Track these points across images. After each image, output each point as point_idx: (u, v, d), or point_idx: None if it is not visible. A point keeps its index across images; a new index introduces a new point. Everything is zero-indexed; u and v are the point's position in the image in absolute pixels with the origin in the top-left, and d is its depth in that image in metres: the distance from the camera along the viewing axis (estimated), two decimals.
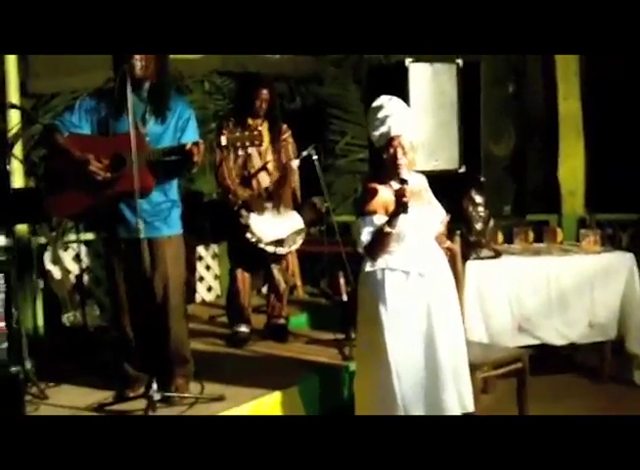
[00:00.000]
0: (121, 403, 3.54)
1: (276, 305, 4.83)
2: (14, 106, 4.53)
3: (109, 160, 3.44)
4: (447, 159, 4.90)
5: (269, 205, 4.62)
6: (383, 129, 3.26)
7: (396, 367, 3.17)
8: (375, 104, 3.34)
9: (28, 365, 3.79)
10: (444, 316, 3.27)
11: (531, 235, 5.09)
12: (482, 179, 4.91)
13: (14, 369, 3.38)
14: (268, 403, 3.69)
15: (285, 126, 4.74)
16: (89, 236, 4.99)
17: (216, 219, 5.20)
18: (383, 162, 3.28)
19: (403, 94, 4.34)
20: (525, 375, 3.80)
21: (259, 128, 3.94)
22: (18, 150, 4.61)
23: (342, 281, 4.64)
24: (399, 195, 3.08)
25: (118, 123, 3.47)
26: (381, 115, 3.27)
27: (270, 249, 4.56)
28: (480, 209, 4.64)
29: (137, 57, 3.39)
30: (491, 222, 4.73)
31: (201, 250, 6.05)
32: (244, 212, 4.54)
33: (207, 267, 6.13)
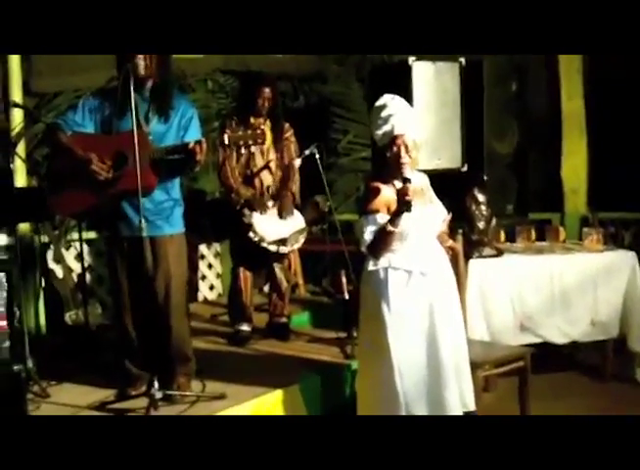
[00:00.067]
0: (123, 402, 3.54)
1: (278, 303, 4.84)
2: (17, 105, 4.54)
3: (112, 158, 3.44)
4: (450, 157, 4.89)
5: (271, 203, 4.62)
6: (386, 128, 3.26)
7: (398, 366, 3.17)
8: (378, 103, 3.33)
9: (30, 364, 3.79)
10: (446, 315, 3.27)
11: (534, 234, 5.09)
12: (485, 178, 4.90)
13: (16, 368, 3.38)
14: (270, 402, 3.69)
15: (287, 125, 4.73)
16: (92, 235, 4.99)
17: (219, 218, 5.20)
18: (385, 160, 3.28)
19: (406, 93, 4.32)
20: (526, 373, 3.80)
21: (262, 127, 3.93)
22: (21, 149, 4.62)
23: (343, 280, 4.63)
24: (402, 194, 3.08)
25: (121, 122, 3.47)
26: (384, 113, 3.27)
27: (273, 248, 4.55)
28: (483, 207, 4.64)
29: (140, 56, 3.40)
30: (494, 221, 4.72)
31: (203, 248, 6.06)
32: (246, 211, 4.54)
33: (210, 266, 6.14)
